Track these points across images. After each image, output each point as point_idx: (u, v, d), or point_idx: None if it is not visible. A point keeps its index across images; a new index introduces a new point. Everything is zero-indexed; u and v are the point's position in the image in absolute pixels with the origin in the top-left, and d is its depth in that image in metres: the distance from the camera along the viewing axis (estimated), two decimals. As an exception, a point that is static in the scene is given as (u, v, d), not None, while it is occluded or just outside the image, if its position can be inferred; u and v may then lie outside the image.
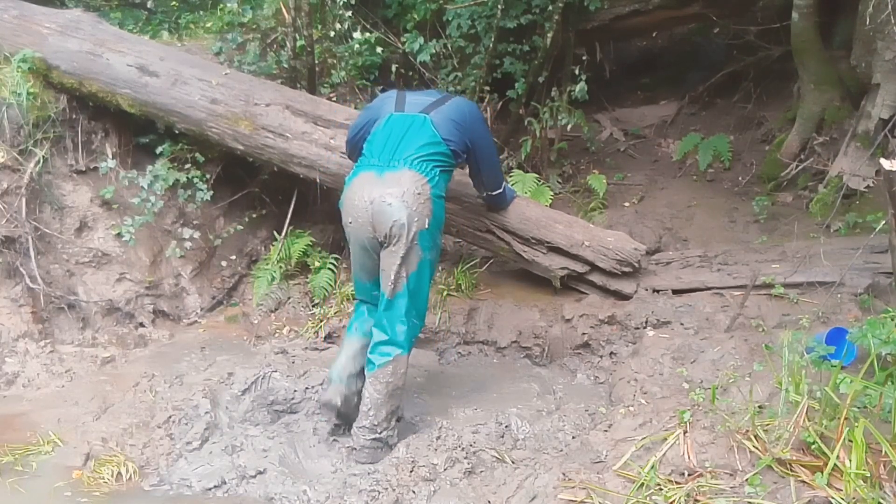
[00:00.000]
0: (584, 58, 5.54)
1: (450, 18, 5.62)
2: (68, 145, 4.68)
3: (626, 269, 4.18)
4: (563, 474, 2.77)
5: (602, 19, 5.92)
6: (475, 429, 3.33)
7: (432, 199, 3.14)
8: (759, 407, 2.81)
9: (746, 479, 2.50)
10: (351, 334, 3.43)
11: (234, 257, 5.15)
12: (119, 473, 3.18)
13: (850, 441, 2.39)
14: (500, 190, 3.97)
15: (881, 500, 2.27)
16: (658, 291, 4.21)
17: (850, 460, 2.37)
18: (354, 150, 3.56)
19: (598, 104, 6.65)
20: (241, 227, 5.10)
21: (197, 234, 4.86)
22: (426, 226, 3.12)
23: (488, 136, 3.67)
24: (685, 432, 2.79)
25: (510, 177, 5.28)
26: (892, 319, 2.79)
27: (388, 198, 3.09)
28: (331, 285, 4.72)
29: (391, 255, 3.14)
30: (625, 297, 4.24)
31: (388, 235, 3.11)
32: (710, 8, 5.89)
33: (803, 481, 2.43)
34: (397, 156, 3.17)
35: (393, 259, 3.14)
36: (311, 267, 4.83)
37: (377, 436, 3.18)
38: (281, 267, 4.82)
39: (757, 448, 2.60)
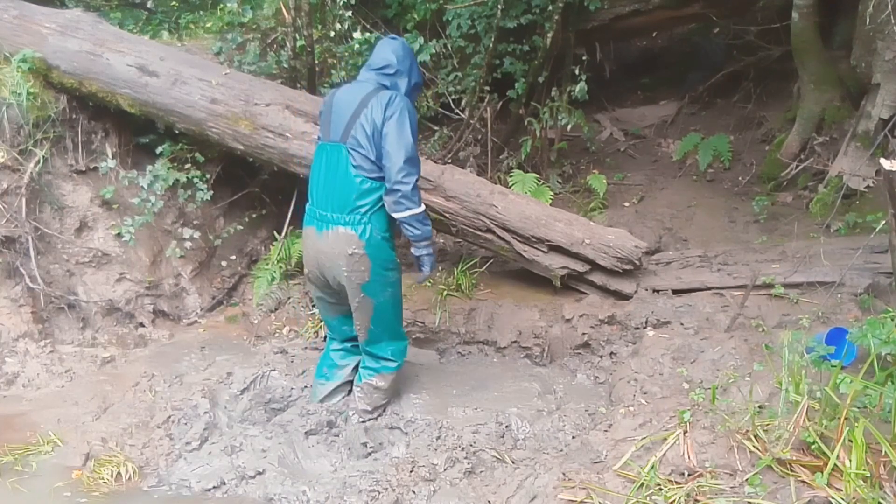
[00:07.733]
0: (584, 58, 5.54)
1: (450, 18, 5.62)
2: (68, 145, 4.67)
3: (627, 267, 4.18)
4: (563, 474, 2.77)
5: (602, 19, 5.93)
6: (475, 429, 3.33)
7: (367, 255, 3.20)
8: (759, 407, 2.81)
9: (746, 479, 2.50)
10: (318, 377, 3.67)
11: (234, 257, 5.15)
12: (119, 474, 3.18)
13: (850, 441, 2.39)
14: (413, 209, 3.13)
15: (881, 500, 2.27)
16: (658, 291, 4.21)
17: (850, 460, 2.37)
18: None
19: (598, 104, 6.66)
20: (241, 227, 5.10)
21: (197, 234, 4.86)
22: (367, 279, 3.24)
23: (402, 128, 3.11)
24: (685, 432, 2.79)
25: (510, 177, 5.28)
26: (892, 319, 2.79)
27: (326, 260, 3.26)
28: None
29: (350, 304, 3.35)
30: (625, 297, 4.24)
31: (340, 290, 3.34)
32: (710, 8, 5.90)
33: (803, 481, 2.43)
34: (329, 207, 3.22)
35: (352, 308, 3.35)
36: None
37: (371, 416, 3.52)
38: (281, 267, 4.82)
39: (757, 448, 2.60)
